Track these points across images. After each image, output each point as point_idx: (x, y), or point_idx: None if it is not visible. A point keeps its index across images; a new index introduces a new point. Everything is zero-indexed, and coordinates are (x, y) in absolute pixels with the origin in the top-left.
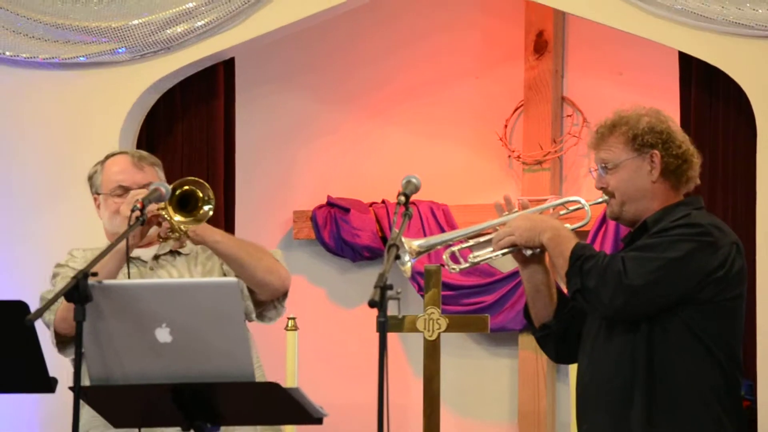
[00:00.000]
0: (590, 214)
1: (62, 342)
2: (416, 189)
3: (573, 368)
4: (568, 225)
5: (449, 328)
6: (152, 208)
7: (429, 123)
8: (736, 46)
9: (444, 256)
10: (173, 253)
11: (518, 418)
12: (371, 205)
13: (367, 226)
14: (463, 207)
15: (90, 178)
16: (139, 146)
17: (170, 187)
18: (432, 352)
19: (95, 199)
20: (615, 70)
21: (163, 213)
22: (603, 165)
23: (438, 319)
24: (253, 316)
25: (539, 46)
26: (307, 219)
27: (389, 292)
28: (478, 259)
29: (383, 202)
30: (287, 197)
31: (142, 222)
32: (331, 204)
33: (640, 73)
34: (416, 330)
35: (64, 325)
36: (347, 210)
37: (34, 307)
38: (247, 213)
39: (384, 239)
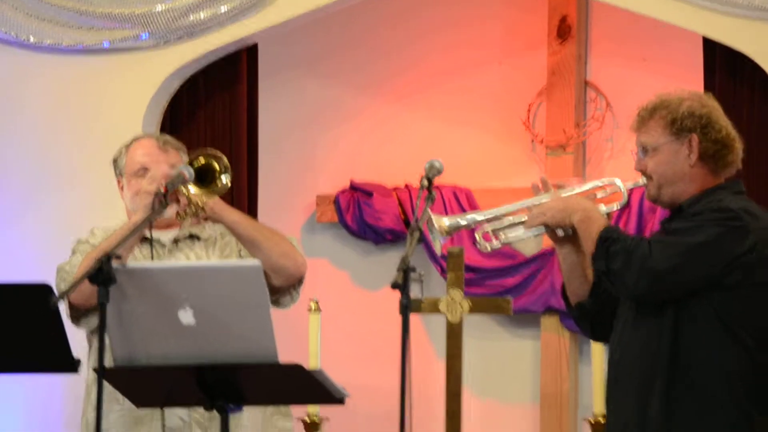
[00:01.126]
0: (626, 196)
1: (76, 313)
2: (439, 173)
3: (596, 351)
4: (603, 207)
5: (472, 310)
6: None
7: (452, 108)
8: (762, 31)
9: (477, 235)
10: (192, 237)
11: (540, 400)
12: (394, 189)
13: (389, 210)
14: (486, 191)
15: (114, 161)
16: (162, 131)
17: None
18: (454, 334)
19: (118, 182)
20: (638, 55)
21: (182, 188)
22: (642, 148)
23: (460, 301)
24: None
25: (562, 31)
26: (330, 203)
27: (412, 275)
28: (511, 238)
29: (406, 186)
30: (310, 182)
31: (165, 205)
32: (354, 188)
33: (664, 58)
34: (439, 312)
35: (79, 296)
36: (370, 194)
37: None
38: (271, 197)
39: (407, 222)
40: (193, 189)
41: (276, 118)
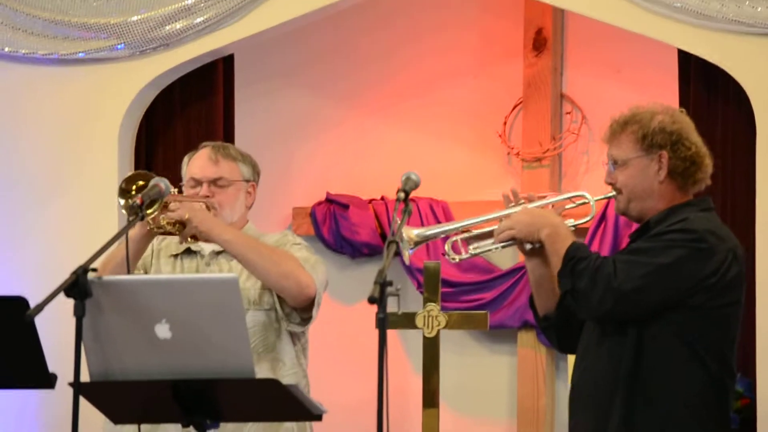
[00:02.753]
0: (595, 209)
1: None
2: (416, 185)
3: (572, 366)
4: (571, 221)
5: (448, 325)
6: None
7: (428, 120)
8: (736, 43)
9: (446, 246)
10: None
11: (517, 416)
12: (370, 201)
13: (366, 223)
14: (463, 204)
15: (182, 168)
16: (138, 142)
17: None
18: (431, 348)
19: (183, 187)
20: (614, 67)
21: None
22: (613, 161)
23: (437, 315)
24: (284, 324)
25: (538, 43)
26: (307, 215)
27: (389, 289)
28: (479, 250)
29: (382, 198)
30: (286, 194)
31: (142, 218)
32: (330, 200)
33: (639, 70)
34: (415, 327)
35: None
36: (346, 206)
37: (33, 303)
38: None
39: (383, 236)
40: (149, 212)
41: (252, 128)
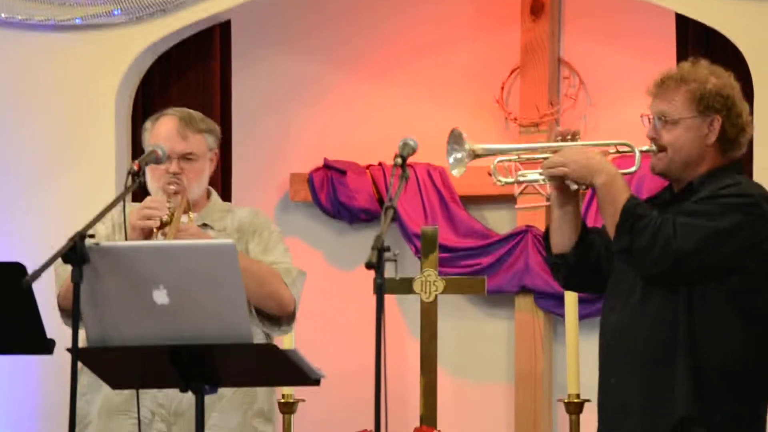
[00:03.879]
0: (639, 161)
1: (66, 316)
2: (413, 151)
3: (570, 330)
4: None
5: (446, 290)
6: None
7: (426, 86)
8: (734, 7)
9: (492, 165)
10: (205, 226)
11: (515, 380)
12: (368, 167)
13: (363, 189)
14: None
15: (142, 132)
16: (134, 109)
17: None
18: (429, 314)
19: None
20: (612, 33)
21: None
22: (660, 116)
23: (435, 281)
24: (260, 328)
25: (536, 8)
26: (304, 181)
27: (386, 254)
28: (526, 178)
29: (380, 164)
30: (284, 160)
31: (139, 183)
32: (327, 166)
33: (637, 35)
34: (413, 292)
35: (65, 303)
36: (344, 172)
37: (31, 270)
38: (244, 176)
39: (381, 202)
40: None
41: (249, 95)
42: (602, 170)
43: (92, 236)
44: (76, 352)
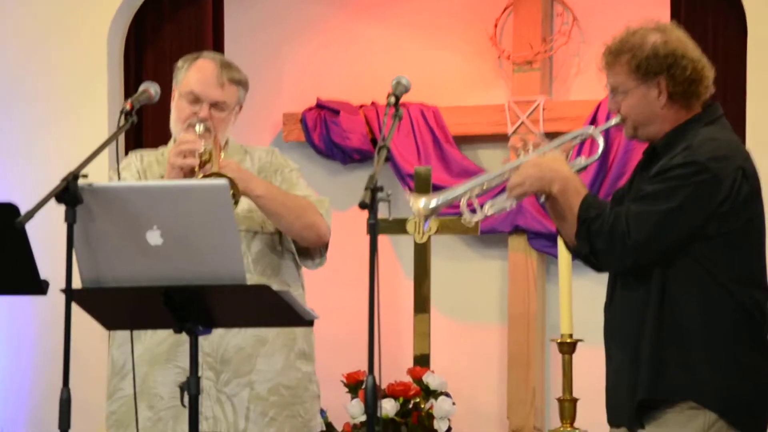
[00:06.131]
0: (603, 143)
1: None
2: (406, 90)
3: (563, 270)
4: (582, 159)
5: (439, 231)
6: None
7: (419, 24)
8: None
9: (461, 207)
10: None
11: (508, 320)
12: (361, 107)
13: (357, 128)
14: (454, 108)
15: (176, 69)
16: (126, 48)
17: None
18: (422, 254)
19: (173, 89)
20: None
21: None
22: (613, 90)
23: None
24: (298, 260)
25: None
26: (297, 121)
27: (379, 194)
28: (495, 209)
29: (373, 104)
30: (277, 100)
31: (133, 122)
32: (320, 106)
33: None
34: (406, 232)
35: None
36: (337, 112)
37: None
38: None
39: (374, 141)
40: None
41: (242, 34)
42: (555, 179)
43: (85, 176)
44: (70, 292)
